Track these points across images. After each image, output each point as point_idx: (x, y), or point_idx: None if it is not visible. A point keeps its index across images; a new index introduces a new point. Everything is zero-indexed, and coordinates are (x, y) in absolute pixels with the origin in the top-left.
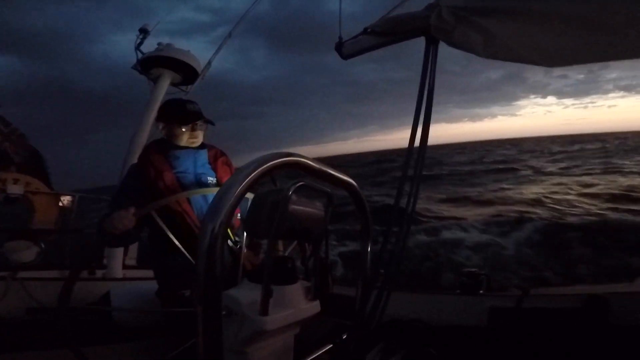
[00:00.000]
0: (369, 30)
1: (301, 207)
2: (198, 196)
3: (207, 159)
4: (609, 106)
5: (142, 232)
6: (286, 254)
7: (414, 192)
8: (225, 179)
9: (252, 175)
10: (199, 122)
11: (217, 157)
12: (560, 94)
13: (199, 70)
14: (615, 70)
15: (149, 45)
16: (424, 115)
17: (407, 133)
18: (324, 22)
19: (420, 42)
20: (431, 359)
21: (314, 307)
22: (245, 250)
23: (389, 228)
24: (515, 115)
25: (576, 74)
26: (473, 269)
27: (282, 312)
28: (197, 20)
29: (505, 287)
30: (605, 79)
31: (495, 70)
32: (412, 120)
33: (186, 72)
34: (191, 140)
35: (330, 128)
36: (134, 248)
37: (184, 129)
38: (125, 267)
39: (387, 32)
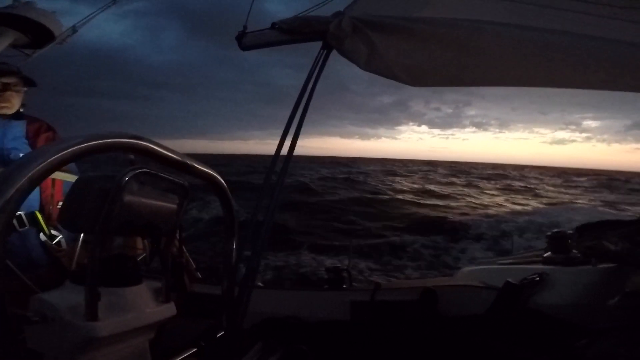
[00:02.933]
0: (276, 26)
1: (143, 199)
2: None
3: (23, 132)
4: (463, 139)
5: None
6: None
7: (276, 196)
8: None
9: (62, 154)
10: (11, 82)
11: (39, 132)
12: (432, 124)
13: (56, 34)
14: (474, 108)
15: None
16: (297, 121)
17: (308, 141)
18: (253, 16)
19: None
20: (303, 356)
21: (168, 309)
22: (69, 246)
23: (250, 228)
24: (396, 138)
25: (447, 108)
26: (337, 265)
27: (119, 316)
28: None
29: (365, 281)
30: (466, 115)
31: (389, 95)
32: (308, 128)
33: (40, 36)
34: None
35: (233, 125)
36: None
37: None
38: None
39: (291, 31)
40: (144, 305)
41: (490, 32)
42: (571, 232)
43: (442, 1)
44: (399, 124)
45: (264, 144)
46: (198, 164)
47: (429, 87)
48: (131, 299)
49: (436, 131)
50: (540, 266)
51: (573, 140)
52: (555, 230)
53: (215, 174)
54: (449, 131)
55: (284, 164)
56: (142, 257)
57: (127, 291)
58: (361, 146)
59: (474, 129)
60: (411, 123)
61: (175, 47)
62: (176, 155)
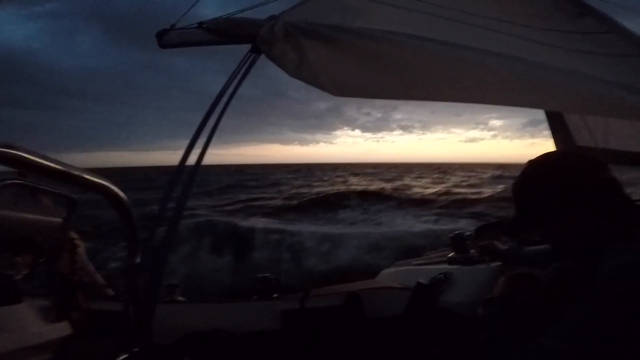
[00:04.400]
0: (204, 25)
1: (15, 213)
2: None
3: None
4: (392, 142)
5: None
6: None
7: (180, 207)
8: None
9: None
10: None
11: None
12: (364, 128)
13: None
14: (400, 112)
15: None
16: (211, 127)
17: (242, 149)
18: (186, 20)
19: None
20: None
21: (60, 328)
22: None
23: (150, 237)
24: (333, 143)
25: (376, 112)
26: (266, 274)
27: None
28: None
29: (295, 289)
30: (393, 119)
31: (325, 101)
32: (239, 135)
33: None
34: None
35: (160, 135)
36: None
37: None
38: None
39: (219, 31)
40: (26, 325)
41: (409, 46)
42: (469, 233)
43: (373, 13)
44: (335, 128)
45: (194, 154)
46: (89, 175)
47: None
48: (11, 319)
49: (368, 134)
50: (445, 266)
51: (483, 138)
52: (456, 231)
53: (109, 185)
54: (379, 134)
55: (190, 175)
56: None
57: (5, 311)
58: (301, 152)
59: (400, 131)
60: (346, 128)
61: (93, 51)
62: (60, 165)
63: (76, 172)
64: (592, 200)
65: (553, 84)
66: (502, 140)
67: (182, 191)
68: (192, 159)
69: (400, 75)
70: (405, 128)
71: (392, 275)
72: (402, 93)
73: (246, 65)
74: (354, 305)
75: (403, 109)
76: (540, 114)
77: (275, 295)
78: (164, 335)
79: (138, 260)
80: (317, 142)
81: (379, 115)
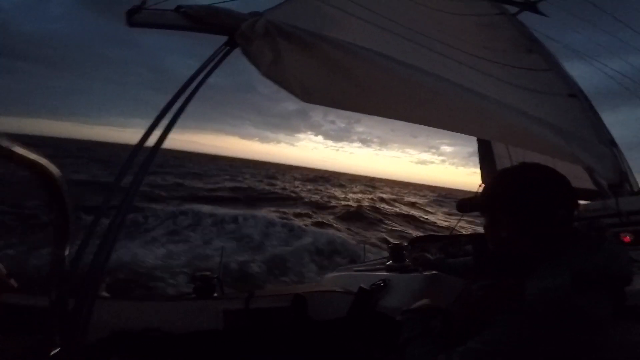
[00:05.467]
0: (182, 9)
1: None
2: None
3: None
4: (350, 153)
5: None
6: None
7: (132, 193)
8: None
9: None
10: None
11: None
12: (327, 135)
13: None
14: (362, 125)
15: None
16: (174, 113)
17: (200, 137)
18: None
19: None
20: None
21: None
22: None
23: (94, 223)
24: (294, 145)
25: (341, 122)
26: (206, 273)
27: None
28: None
29: (237, 289)
30: (355, 131)
31: (293, 103)
32: (196, 122)
33: None
34: None
35: (113, 110)
36: None
37: None
38: None
39: (197, 18)
40: None
41: (375, 63)
42: (406, 244)
43: (350, 26)
44: (298, 131)
45: (154, 136)
46: (22, 149)
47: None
48: None
49: (329, 142)
50: (384, 273)
51: (432, 162)
52: (395, 242)
53: (42, 161)
54: (340, 144)
55: (146, 159)
56: None
57: None
58: (259, 149)
59: (360, 144)
60: (309, 132)
61: (62, 17)
62: None
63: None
64: (547, 223)
65: (490, 114)
66: (449, 166)
67: (136, 175)
68: (151, 141)
69: (363, 89)
70: (365, 142)
71: (335, 279)
72: (363, 107)
73: (219, 57)
74: (300, 307)
75: (366, 123)
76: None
77: (216, 294)
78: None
79: (67, 251)
80: (279, 141)
81: (343, 125)
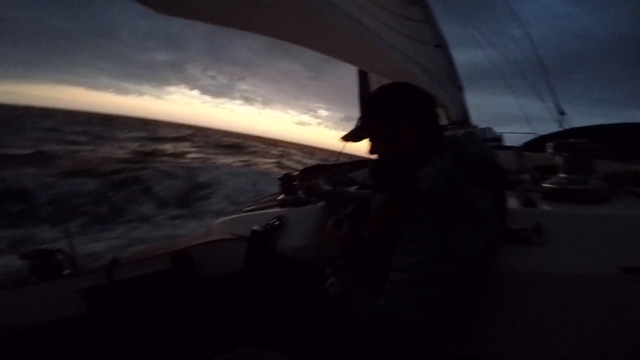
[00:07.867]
0: None
1: None
2: None
3: None
4: (231, 110)
5: None
6: None
7: None
8: None
9: None
10: None
11: None
12: (205, 91)
13: None
14: (246, 82)
15: None
16: None
17: (35, 88)
18: None
19: None
20: None
21: None
22: None
23: None
24: (162, 98)
25: (222, 77)
26: (44, 246)
27: None
28: None
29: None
30: (238, 88)
31: (165, 53)
32: (36, 71)
33: None
34: None
35: None
36: None
37: None
38: None
39: None
40: None
41: None
42: (297, 173)
43: None
44: (169, 84)
45: None
46: None
47: (184, 21)
48: None
49: (207, 98)
50: (277, 209)
51: (310, 124)
52: (285, 172)
53: None
54: (220, 100)
55: None
56: None
57: None
58: (114, 101)
59: (242, 102)
60: (183, 85)
61: None
62: None
63: None
64: (424, 118)
65: (376, 49)
66: (324, 129)
67: None
68: None
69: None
70: (248, 99)
71: (223, 225)
72: (243, 22)
73: None
74: (183, 266)
75: (250, 81)
76: (355, 112)
77: (67, 271)
78: None
79: None
80: (142, 93)
81: (225, 81)
